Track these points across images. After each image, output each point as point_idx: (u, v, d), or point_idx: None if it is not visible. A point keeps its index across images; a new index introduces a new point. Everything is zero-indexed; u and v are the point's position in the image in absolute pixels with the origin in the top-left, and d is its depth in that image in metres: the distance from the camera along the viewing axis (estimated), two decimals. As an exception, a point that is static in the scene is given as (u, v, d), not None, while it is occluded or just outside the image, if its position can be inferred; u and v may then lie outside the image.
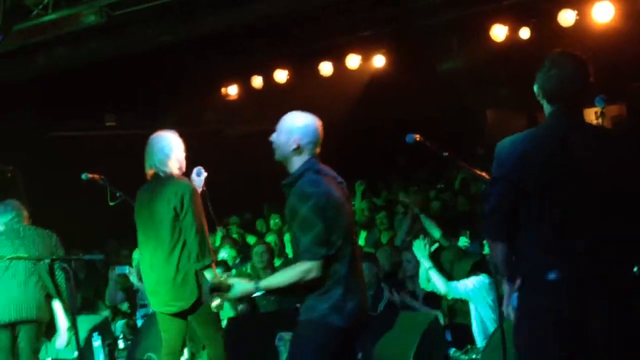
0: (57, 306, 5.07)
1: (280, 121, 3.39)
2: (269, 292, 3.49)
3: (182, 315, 4.34)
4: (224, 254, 7.59)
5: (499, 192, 2.73)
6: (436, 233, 6.50)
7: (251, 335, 5.78)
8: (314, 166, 3.32)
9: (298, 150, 3.31)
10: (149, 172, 4.36)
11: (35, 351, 5.05)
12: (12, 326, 4.88)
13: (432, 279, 5.36)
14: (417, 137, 3.49)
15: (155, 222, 4.25)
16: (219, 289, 3.26)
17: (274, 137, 3.38)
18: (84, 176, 4.88)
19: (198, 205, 4.25)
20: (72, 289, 4.44)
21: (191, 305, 4.28)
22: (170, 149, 4.30)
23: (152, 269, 4.32)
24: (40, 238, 5.05)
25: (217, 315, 4.49)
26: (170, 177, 4.29)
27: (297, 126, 3.33)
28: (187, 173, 4.51)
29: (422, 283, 5.67)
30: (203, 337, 4.48)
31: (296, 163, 3.33)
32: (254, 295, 3.31)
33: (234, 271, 3.27)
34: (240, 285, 3.26)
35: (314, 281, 3.19)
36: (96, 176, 4.87)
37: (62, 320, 5.08)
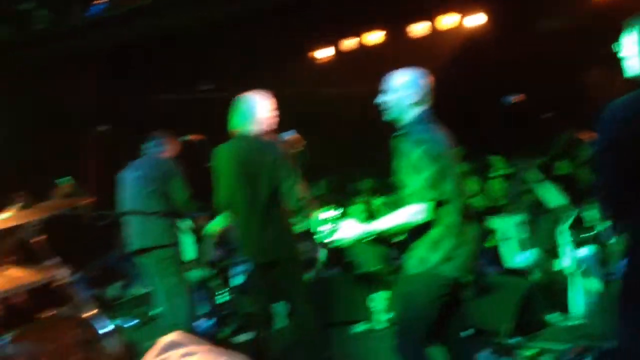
0: None
1: (389, 81, 3.43)
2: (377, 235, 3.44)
3: (272, 267, 4.44)
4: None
5: (609, 163, 2.61)
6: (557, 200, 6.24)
7: (344, 295, 5.91)
8: (429, 117, 3.37)
9: (415, 104, 3.35)
10: (234, 131, 4.42)
11: None
12: None
13: (565, 254, 5.20)
14: (517, 98, 3.41)
15: (247, 178, 4.31)
16: (328, 229, 3.25)
17: (384, 98, 3.42)
18: (183, 138, 5.04)
19: (288, 162, 4.32)
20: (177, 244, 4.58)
21: (282, 258, 4.39)
22: (254, 109, 4.35)
23: (245, 223, 4.41)
24: None
25: (303, 270, 4.58)
26: (256, 136, 4.34)
27: (412, 81, 3.38)
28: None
29: (508, 260, 5.56)
30: (290, 291, 4.56)
31: (411, 115, 3.37)
32: (362, 237, 3.30)
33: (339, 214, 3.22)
34: (349, 226, 3.27)
35: (424, 229, 3.21)
36: (195, 138, 5.02)
37: None
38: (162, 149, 5.30)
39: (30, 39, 6.72)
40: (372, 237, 3.40)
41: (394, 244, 3.68)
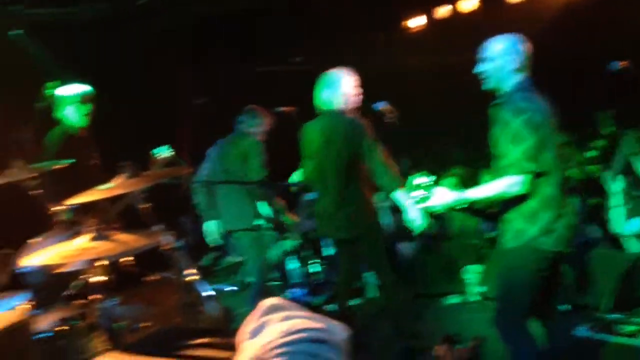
0: None
1: (487, 48, 3.35)
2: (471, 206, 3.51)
3: (354, 241, 4.47)
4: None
5: None
6: None
7: (438, 267, 5.88)
8: (529, 84, 3.28)
9: (515, 71, 3.28)
10: (319, 107, 4.44)
11: None
12: None
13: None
14: (623, 63, 3.25)
15: (331, 153, 4.32)
16: (420, 195, 3.23)
17: (483, 67, 3.35)
18: (277, 109, 5.12)
19: (372, 139, 4.29)
20: (276, 215, 4.71)
21: (361, 234, 4.40)
22: (339, 85, 4.35)
23: (329, 197, 4.42)
24: None
25: (384, 243, 4.58)
26: (339, 113, 4.34)
27: (511, 47, 3.31)
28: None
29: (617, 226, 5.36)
30: (373, 264, 4.59)
31: (510, 83, 3.29)
32: (454, 205, 3.28)
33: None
34: (442, 193, 3.25)
35: (520, 201, 3.15)
36: (289, 109, 5.08)
37: None
38: (255, 122, 5.40)
39: (129, 15, 6.97)
40: (466, 207, 3.40)
41: (488, 215, 3.60)
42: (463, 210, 4.15)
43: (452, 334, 4.34)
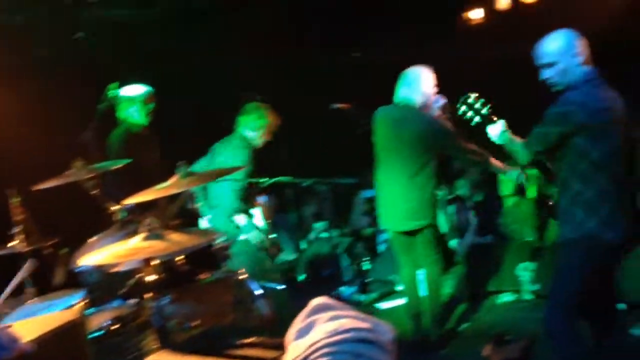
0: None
1: (544, 54, 3.28)
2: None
3: (412, 234, 4.50)
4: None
5: None
6: None
7: (494, 264, 5.79)
8: (594, 78, 3.23)
9: (581, 60, 3.23)
10: (399, 102, 4.46)
11: None
12: None
13: None
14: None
15: (401, 146, 4.37)
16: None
17: (549, 72, 3.29)
18: (332, 106, 5.10)
19: (449, 130, 4.35)
20: (330, 211, 4.69)
21: (425, 225, 4.44)
22: (420, 82, 4.38)
23: (393, 188, 4.47)
24: None
25: (438, 238, 4.61)
26: (417, 109, 4.38)
27: (569, 44, 3.23)
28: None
29: None
30: (423, 257, 4.58)
31: (576, 76, 3.24)
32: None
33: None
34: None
35: (578, 194, 3.17)
36: (344, 105, 5.06)
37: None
38: (253, 122, 5.10)
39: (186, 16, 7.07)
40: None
41: (549, 208, 3.61)
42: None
43: (502, 334, 4.26)
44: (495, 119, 3.55)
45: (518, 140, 3.49)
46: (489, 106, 3.54)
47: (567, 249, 3.28)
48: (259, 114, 5.02)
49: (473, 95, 3.57)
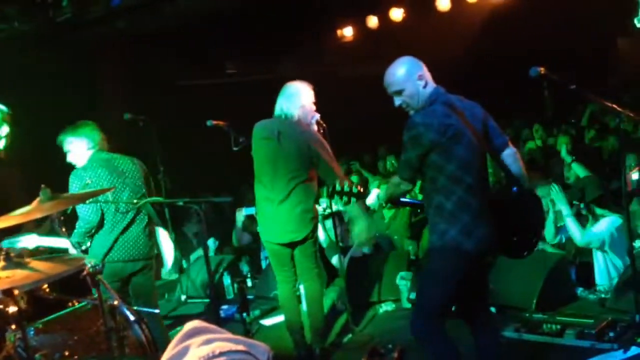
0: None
1: (392, 83, 3.39)
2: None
3: (292, 246, 4.52)
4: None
5: None
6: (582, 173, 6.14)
7: (374, 273, 5.90)
8: (441, 96, 3.34)
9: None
10: (277, 115, 4.48)
11: None
12: None
13: (570, 227, 5.17)
14: (542, 70, 3.33)
15: (279, 159, 4.38)
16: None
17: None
18: (209, 123, 5.02)
19: (326, 146, 4.41)
20: (204, 230, 4.60)
21: (304, 237, 4.45)
22: (299, 96, 4.42)
23: (272, 201, 4.45)
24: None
25: (318, 251, 4.64)
26: (296, 122, 4.41)
27: (409, 65, 3.36)
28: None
29: (549, 236, 5.51)
30: (303, 270, 4.61)
31: (423, 97, 3.36)
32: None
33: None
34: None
35: (439, 202, 3.28)
36: (221, 122, 5.00)
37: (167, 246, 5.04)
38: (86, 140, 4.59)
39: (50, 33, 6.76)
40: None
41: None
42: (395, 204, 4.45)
43: (376, 346, 4.33)
44: (364, 190, 3.72)
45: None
46: (355, 185, 3.69)
47: (432, 257, 3.40)
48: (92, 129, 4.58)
49: (337, 185, 3.67)
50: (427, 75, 3.38)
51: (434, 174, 3.29)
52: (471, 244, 3.25)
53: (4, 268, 2.50)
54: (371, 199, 3.83)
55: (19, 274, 2.48)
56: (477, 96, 3.47)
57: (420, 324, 3.40)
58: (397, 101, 3.41)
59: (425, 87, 3.35)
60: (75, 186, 4.27)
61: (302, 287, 4.75)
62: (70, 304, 3.23)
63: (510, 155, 3.51)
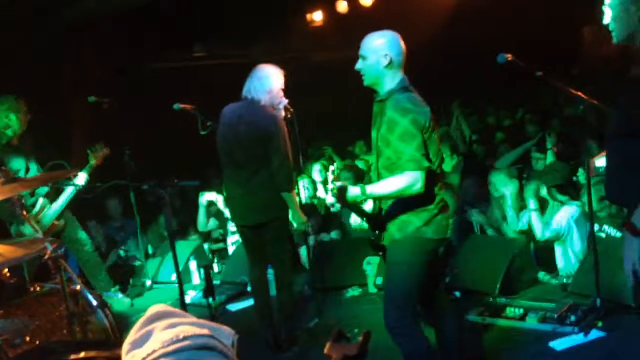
0: None
1: (362, 46, 3.35)
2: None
3: (258, 228, 4.49)
4: (318, 176, 7.78)
5: None
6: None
7: (341, 258, 5.93)
8: (408, 85, 3.32)
9: (390, 65, 3.29)
10: (244, 97, 4.44)
11: None
12: None
13: (533, 222, 5.26)
14: (509, 56, 3.35)
15: (245, 141, 4.35)
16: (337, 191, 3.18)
17: (360, 64, 3.35)
18: (175, 106, 4.96)
19: (284, 135, 4.34)
20: (169, 214, 4.57)
21: (268, 220, 4.44)
22: (268, 80, 4.38)
23: (240, 183, 4.44)
24: None
25: (287, 237, 4.64)
26: (262, 106, 4.37)
27: (383, 42, 3.31)
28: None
29: (512, 222, 5.59)
30: (272, 255, 4.60)
31: (389, 81, 3.32)
32: (357, 199, 3.25)
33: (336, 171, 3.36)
34: (349, 189, 3.21)
35: (415, 194, 3.17)
36: (188, 106, 4.94)
37: None
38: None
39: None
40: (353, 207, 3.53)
41: (370, 218, 3.69)
42: (351, 209, 4.23)
43: (341, 330, 4.33)
44: (341, 183, 3.25)
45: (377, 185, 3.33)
46: (333, 171, 3.42)
47: (395, 249, 3.39)
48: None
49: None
50: (398, 60, 3.31)
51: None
52: (431, 230, 3.29)
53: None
54: (355, 191, 3.37)
55: (-22, 258, 2.42)
56: (446, 81, 3.49)
57: (393, 316, 3.38)
58: (358, 64, 3.36)
59: (387, 67, 3.28)
60: None
61: (270, 272, 4.73)
62: (31, 288, 3.17)
63: None
